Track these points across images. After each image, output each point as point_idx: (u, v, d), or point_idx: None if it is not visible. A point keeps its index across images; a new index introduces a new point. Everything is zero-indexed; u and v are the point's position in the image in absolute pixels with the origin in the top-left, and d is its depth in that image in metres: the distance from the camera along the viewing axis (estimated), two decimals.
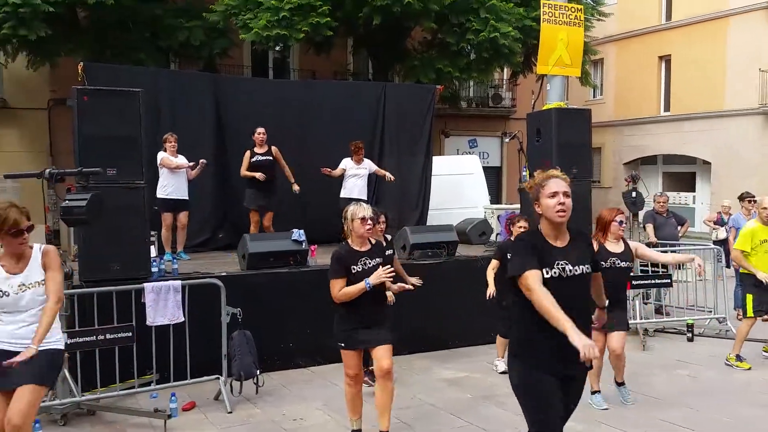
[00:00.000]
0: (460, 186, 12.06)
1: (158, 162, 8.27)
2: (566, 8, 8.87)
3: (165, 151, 8.35)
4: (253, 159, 8.68)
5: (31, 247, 3.77)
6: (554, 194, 3.30)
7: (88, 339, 5.23)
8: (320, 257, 7.97)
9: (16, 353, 3.50)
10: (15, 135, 18.15)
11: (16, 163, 17.45)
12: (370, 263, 4.62)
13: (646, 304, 8.69)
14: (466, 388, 6.20)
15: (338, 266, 4.63)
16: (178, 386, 5.74)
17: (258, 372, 5.95)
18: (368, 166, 9.34)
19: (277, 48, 17.06)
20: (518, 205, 9.77)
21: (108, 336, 5.32)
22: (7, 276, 3.68)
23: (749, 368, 6.60)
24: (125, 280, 5.91)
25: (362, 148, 9.27)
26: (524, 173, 8.83)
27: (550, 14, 8.74)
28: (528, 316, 3.19)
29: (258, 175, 8.58)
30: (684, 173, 23.12)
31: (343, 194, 9.19)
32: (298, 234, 7.51)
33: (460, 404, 5.74)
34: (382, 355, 4.65)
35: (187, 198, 8.51)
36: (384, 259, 4.75)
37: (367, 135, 10.70)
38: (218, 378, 5.86)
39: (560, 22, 8.78)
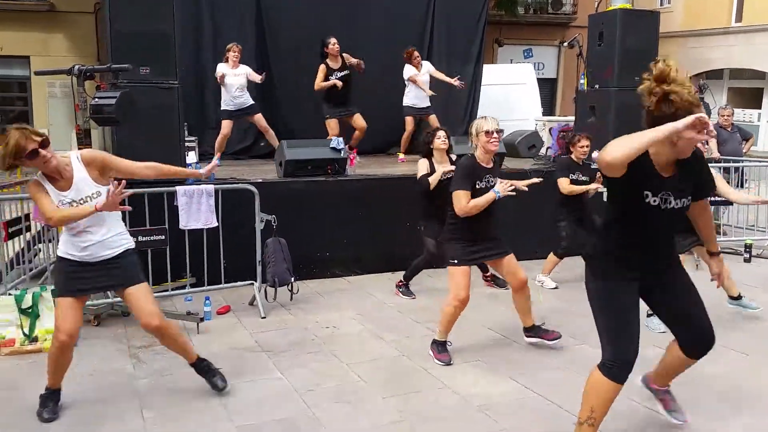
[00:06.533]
0: (511, 97, 11.48)
1: (217, 74, 8.17)
2: None
3: (226, 61, 8.20)
4: (331, 77, 8.21)
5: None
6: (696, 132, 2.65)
7: None
8: (360, 167, 7.74)
9: None
10: (63, 39, 18.14)
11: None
12: (493, 181, 4.51)
13: None
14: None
15: (466, 178, 4.47)
16: (212, 290, 5.71)
17: (293, 279, 5.85)
18: (428, 69, 8.87)
19: None
20: (572, 118, 9.23)
21: (141, 238, 5.23)
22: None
23: None
24: (159, 183, 5.78)
25: (414, 53, 8.76)
26: (582, 81, 8.24)
27: None
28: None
29: (336, 82, 8.16)
30: (751, 89, 21.70)
31: (406, 102, 8.82)
32: (338, 142, 7.23)
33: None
34: (515, 267, 4.67)
35: (252, 102, 8.46)
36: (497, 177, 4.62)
37: (415, 41, 10.18)
38: (252, 284, 5.79)
39: None
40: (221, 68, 8.21)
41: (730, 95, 22.08)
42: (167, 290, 5.59)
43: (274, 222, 5.74)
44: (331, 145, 7.20)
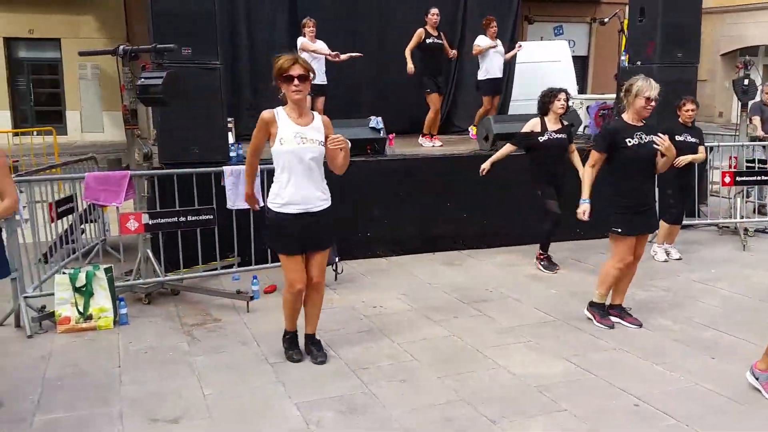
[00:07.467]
0: (546, 74, 11.26)
1: (298, 47, 8.19)
2: None
3: (304, 36, 8.22)
4: (428, 40, 8.24)
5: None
6: None
7: (169, 220, 5.22)
8: (398, 146, 7.69)
9: None
10: (92, 21, 18.22)
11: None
12: (645, 138, 4.48)
13: (746, 202, 8.07)
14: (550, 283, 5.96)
15: (605, 140, 4.59)
16: (259, 270, 5.73)
17: (337, 259, 5.87)
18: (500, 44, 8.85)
19: None
20: (612, 95, 9.07)
21: (189, 218, 5.29)
22: None
23: None
24: (204, 163, 5.81)
25: (492, 22, 8.70)
26: (623, 57, 8.07)
27: None
28: None
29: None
30: None
31: (481, 76, 8.77)
32: (376, 121, 7.19)
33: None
34: (644, 243, 4.78)
35: (325, 83, 8.46)
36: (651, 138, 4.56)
37: (449, 18, 10.06)
38: None
39: None
40: (302, 40, 8.25)
41: (766, 72, 21.57)
42: (216, 269, 5.63)
43: None
44: (369, 125, 7.16)
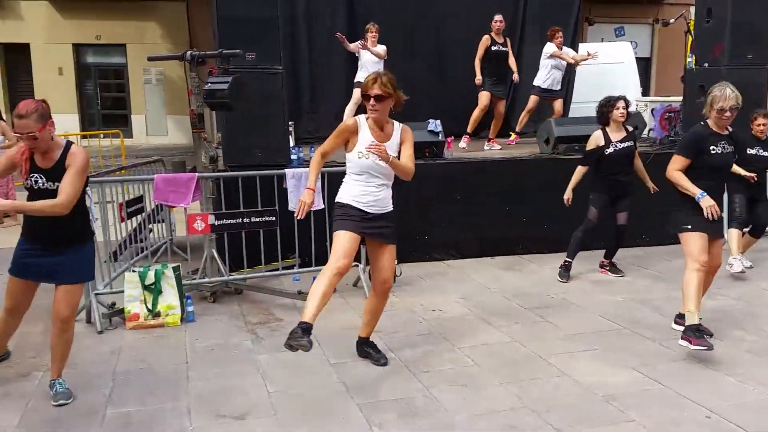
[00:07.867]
0: (608, 76, 11.04)
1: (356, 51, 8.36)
2: None
3: (366, 41, 8.32)
4: (493, 48, 8.29)
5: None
6: None
7: (234, 221, 5.33)
8: (457, 150, 7.65)
9: None
10: (156, 27, 18.79)
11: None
12: (728, 149, 4.39)
13: None
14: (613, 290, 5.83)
15: (689, 146, 4.41)
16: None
17: (395, 262, 5.86)
18: (567, 52, 8.80)
19: None
20: (678, 98, 8.82)
21: (253, 219, 5.40)
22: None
23: None
24: (267, 166, 5.91)
25: (558, 33, 8.66)
26: (690, 59, 7.85)
27: None
28: None
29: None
30: None
31: (537, 82, 8.75)
32: (435, 125, 7.17)
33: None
34: (719, 250, 4.60)
35: None
36: (736, 147, 4.46)
37: (508, 19, 9.93)
38: (357, 265, 5.84)
39: None
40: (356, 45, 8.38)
41: None
42: (277, 269, 5.73)
43: None
44: (428, 128, 7.15)
